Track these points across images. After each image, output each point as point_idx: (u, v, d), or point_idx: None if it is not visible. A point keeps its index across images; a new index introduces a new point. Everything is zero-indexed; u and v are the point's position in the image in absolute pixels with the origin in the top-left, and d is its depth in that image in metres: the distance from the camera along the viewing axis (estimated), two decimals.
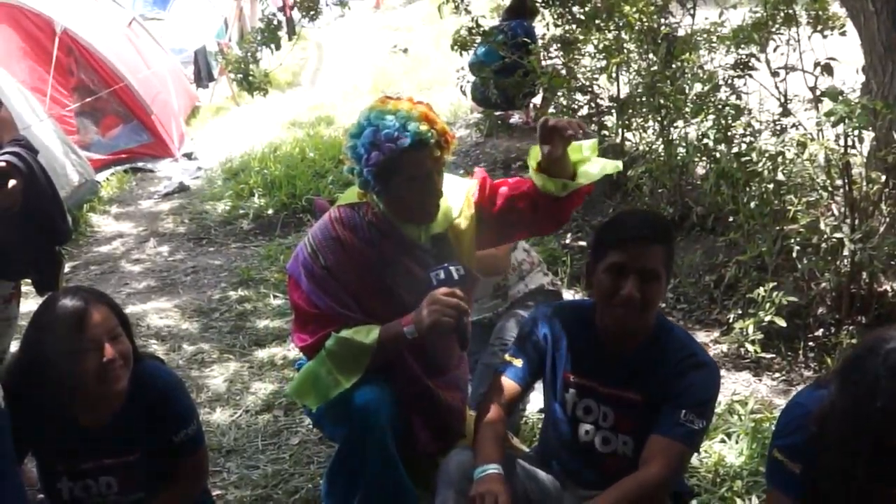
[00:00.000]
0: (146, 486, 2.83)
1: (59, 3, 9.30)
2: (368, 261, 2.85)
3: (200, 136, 10.93)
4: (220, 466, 3.71)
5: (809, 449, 2.19)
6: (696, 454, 3.38)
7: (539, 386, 2.94)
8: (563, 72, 6.35)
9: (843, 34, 4.94)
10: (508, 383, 2.82)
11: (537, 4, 7.49)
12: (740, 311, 4.40)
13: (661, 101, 5.34)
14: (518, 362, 2.82)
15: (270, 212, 7.30)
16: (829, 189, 4.25)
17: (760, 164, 4.23)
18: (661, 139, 5.63)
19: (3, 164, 2.97)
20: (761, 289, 4.14)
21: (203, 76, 13.33)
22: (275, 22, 8.52)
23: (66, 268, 6.39)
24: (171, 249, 6.98)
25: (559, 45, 6.70)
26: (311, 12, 8.55)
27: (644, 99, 5.58)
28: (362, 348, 2.76)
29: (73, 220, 6.54)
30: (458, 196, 3.01)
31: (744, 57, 4.82)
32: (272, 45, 8.40)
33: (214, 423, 4.05)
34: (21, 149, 3.13)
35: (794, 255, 4.23)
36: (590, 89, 6.20)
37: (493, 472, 2.54)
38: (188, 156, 9.88)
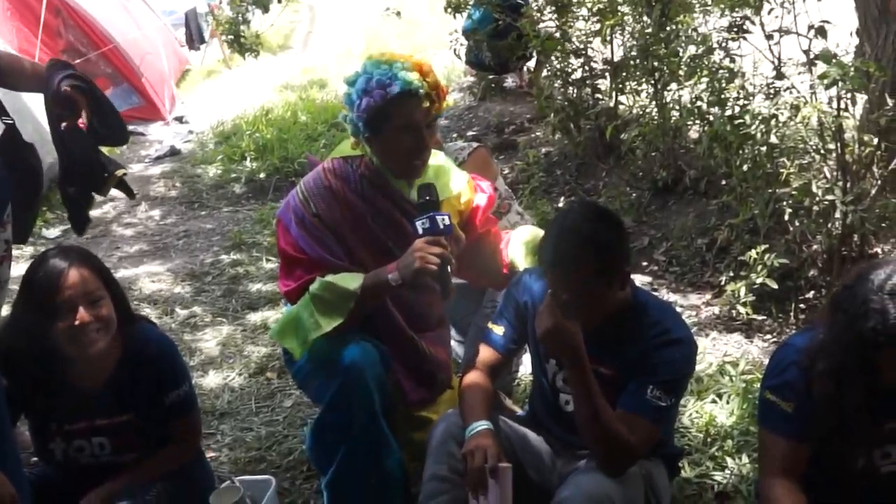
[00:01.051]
0: (139, 447, 2.84)
1: None
2: (359, 212, 2.86)
3: (192, 100, 10.88)
4: (213, 429, 3.73)
5: (801, 386, 2.21)
6: (686, 414, 3.42)
7: None
8: (557, 35, 6.30)
9: None
10: (490, 350, 2.84)
11: None
12: (732, 274, 4.41)
13: (655, 64, 5.32)
14: (500, 329, 2.83)
15: (262, 175, 7.28)
16: (822, 152, 4.24)
17: (753, 127, 4.21)
18: (654, 102, 5.61)
19: (67, 88, 3.07)
20: (753, 251, 4.15)
21: (194, 38, 13.23)
22: None
23: (57, 231, 6.40)
24: (163, 213, 6.97)
25: (553, 7, 6.65)
26: None
27: (638, 62, 5.56)
28: (346, 293, 2.75)
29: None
30: (459, 181, 3.05)
31: (738, 19, 4.79)
32: (262, 6, 8.33)
33: (207, 386, 4.07)
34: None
35: (786, 217, 4.24)
36: (583, 52, 6.17)
37: (483, 428, 2.56)
38: (179, 119, 9.84)
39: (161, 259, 5.90)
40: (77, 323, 2.57)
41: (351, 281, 2.77)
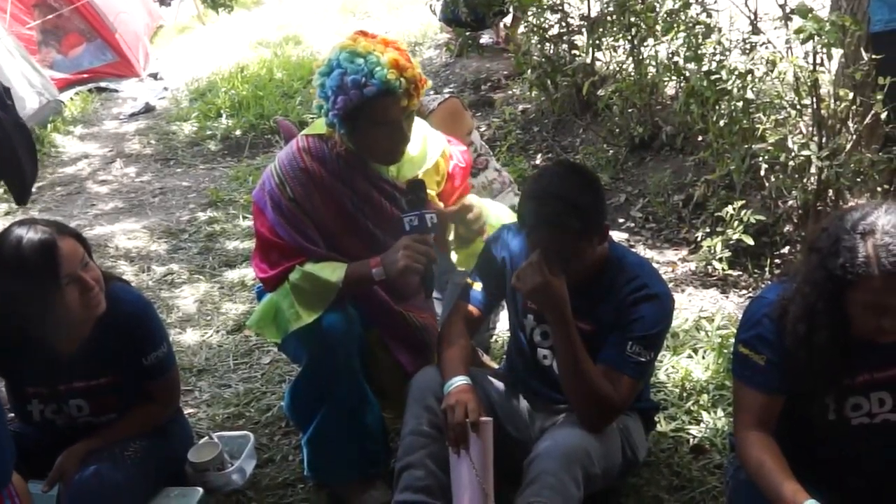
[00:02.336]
0: (118, 408, 2.84)
1: None
2: (337, 196, 2.82)
3: (166, 56, 10.75)
4: (191, 385, 3.74)
5: (773, 338, 2.23)
6: (662, 370, 3.45)
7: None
8: None
9: None
10: (468, 307, 2.85)
11: None
12: (708, 230, 4.44)
13: (632, 20, 5.30)
14: (478, 286, 2.84)
15: (238, 133, 7.23)
16: (798, 107, 4.25)
17: (730, 83, 4.21)
18: (631, 58, 5.60)
19: None
20: (729, 207, 4.17)
21: None
22: None
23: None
24: (138, 170, 6.92)
25: None
26: None
27: (615, 17, 5.53)
28: (328, 286, 2.74)
29: (38, 140, 6.46)
30: (435, 148, 3.01)
31: None
32: None
33: (185, 344, 4.07)
34: None
35: (762, 173, 4.26)
36: (560, 8, 6.12)
37: (462, 383, 2.58)
38: (154, 76, 9.72)
39: (137, 216, 5.86)
40: (92, 289, 2.57)
41: (332, 272, 2.75)
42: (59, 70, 8.99)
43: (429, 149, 3.00)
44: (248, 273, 4.70)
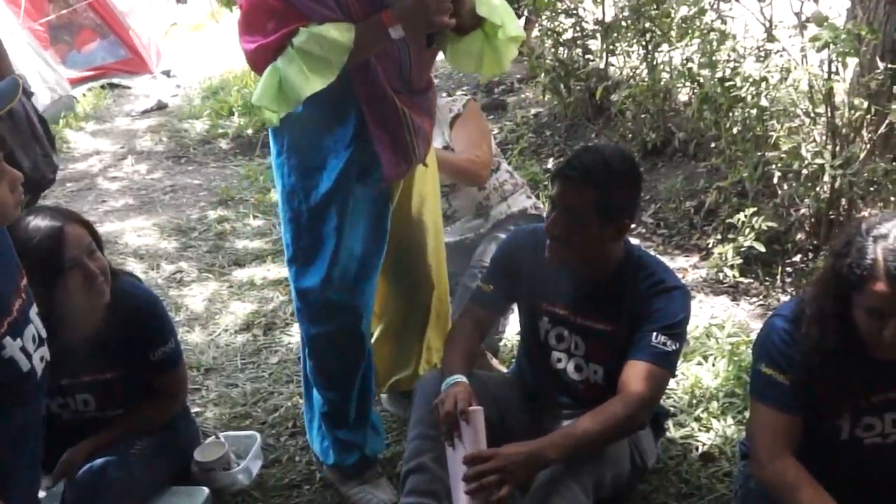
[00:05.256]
0: (124, 404, 2.83)
1: None
2: None
3: (179, 54, 10.76)
4: (198, 384, 3.74)
5: (794, 354, 2.20)
6: (673, 377, 3.43)
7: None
8: None
9: None
10: (479, 310, 2.83)
11: None
12: (720, 237, 4.42)
13: (647, 25, 5.28)
14: (489, 288, 2.82)
15: (250, 131, 7.23)
16: (812, 115, 4.23)
17: (744, 90, 4.19)
18: (645, 64, 5.58)
19: None
20: (741, 214, 4.15)
21: None
22: None
23: None
24: (150, 168, 6.92)
25: None
26: None
27: (629, 22, 5.52)
28: (339, 46, 2.41)
29: (49, 136, 6.46)
30: None
31: None
32: None
33: (193, 342, 4.06)
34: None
35: (775, 181, 4.24)
36: (575, 12, 6.12)
37: (456, 380, 2.56)
38: (166, 73, 9.75)
39: (147, 214, 5.86)
40: (90, 275, 2.56)
41: (341, 32, 2.42)
42: (71, 66, 9.00)
43: None
44: (257, 272, 4.70)
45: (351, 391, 2.91)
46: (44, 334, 2.17)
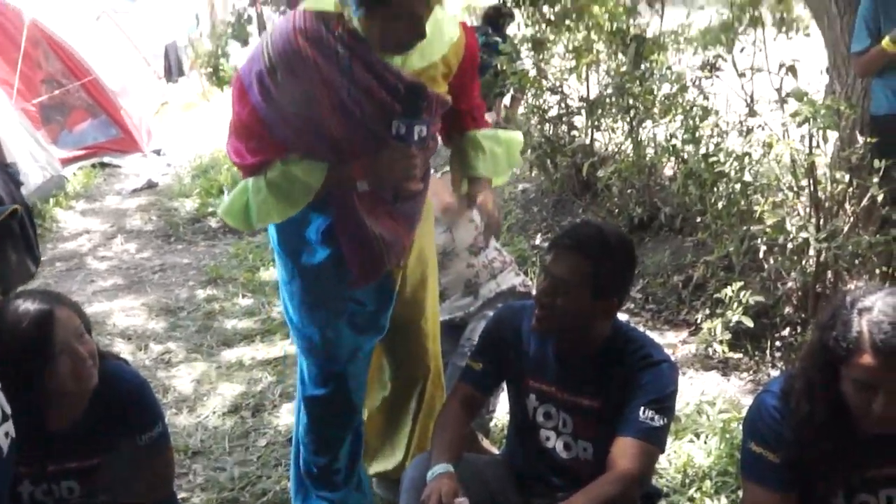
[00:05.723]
0: (110, 490, 2.80)
1: None
2: (332, 84, 2.56)
3: (169, 132, 10.86)
4: (186, 468, 3.69)
5: (785, 431, 2.18)
6: (664, 455, 3.40)
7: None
8: (534, 72, 6.35)
9: (807, 35, 5.00)
10: (468, 388, 2.80)
11: (511, 8, 7.60)
12: (708, 311, 4.43)
13: (630, 102, 5.38)
14: (478, 366, 2.80)
15: None
16: (795, 189, 4.28)
17: (727, 165, 4.25)
18: (629, 139, 5.66)
19: None
20: (729, 289, 4.17)
21: (173, 71, 13.23)
22: (245, 16, 8.47)
23: None
24: (139, 247, 6.93)
25: (530, 45, 6.71)
26: (282, 7, 8.49)
27: (613, 99, 5.61)
28: (306, 187, 2.61)
29: (39, 215, 6.51)
30: (448, 35, 2.73)
31: (711, 58, 4.86)
32: (241, 40, 8.36)
33: (181, 425, 4.03)
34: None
35: (761, 254, 4.27)
36: (559, 89, 6.22)
37: (441, 471, 2.53)
38: (157, 152, 9.81)
39: (136, 293, 5.85)
40: (79, 360, 2.54)
41: (311, 174, 2.61)
42: (63, 145, 9.07)
43: (443, 34, 2.70)
44: (245, 353, 4.68)
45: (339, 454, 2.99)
46: (8, 410, 2.15)
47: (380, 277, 2.86)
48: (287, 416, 3.94)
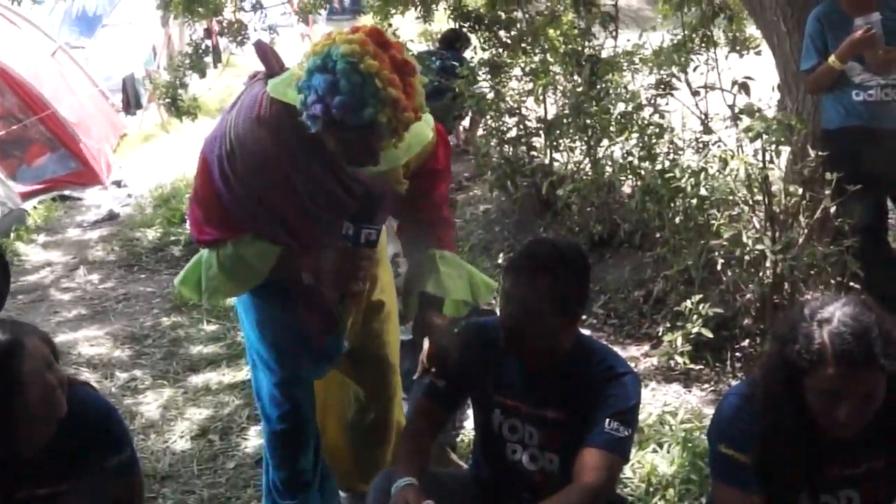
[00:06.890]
0: None
1: None
2: (290, 177, 2.63)
3: (130, 164, 10.80)
4: (155, 493, 3.68)
5: (752, 432, 2.22)
6: (628, 465, 3.45)
7: None
8: (492, 94, 6.44)
9: (758, 54, 5.13)
10: (431, 405, 2.81)
11: (467, 32, 7.69)
12: (669, 325, 4.49)
13: (587, 122, 5.46)
14: (441, 383, 2.81)
15: None
16: (750, 203, 4.37)
17: (684, 181, 4.32)
18: (587, 158, 5.74)
19: None
20: (688, 302, 4.24)
21: (132, 104, 13.17)
22: (202, 48, 8.47)
23: None
24: (102, 277, 6.89)
25: (487, 68, 6.80)
26: (239, 37, 8.51)
27: (570, 119, 5.69)
28: (255, 272, 2.73)
29: None
30: (421, 135, 2.76)
31: (665, 77, 4.96)
32: (199, 71, 8.36)
33: (149, 450, 4.02)
34: None
35: (719, 267, 4.34)
36: (518, 111, 6.30)
37: (405, 484, 2.54)
38: (117, 183, 9.76)
39: (100, 323, 5.82)
40: (50, 389, 2.54)
41: (262, 259, 2.71)
42: (21, 180, 9.00)
43: (416, 136, 2.70)
44: (212, 377, 4.69)
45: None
46: None
47: (334, 333, 2.95)
48: (255, 438, 3.95)
